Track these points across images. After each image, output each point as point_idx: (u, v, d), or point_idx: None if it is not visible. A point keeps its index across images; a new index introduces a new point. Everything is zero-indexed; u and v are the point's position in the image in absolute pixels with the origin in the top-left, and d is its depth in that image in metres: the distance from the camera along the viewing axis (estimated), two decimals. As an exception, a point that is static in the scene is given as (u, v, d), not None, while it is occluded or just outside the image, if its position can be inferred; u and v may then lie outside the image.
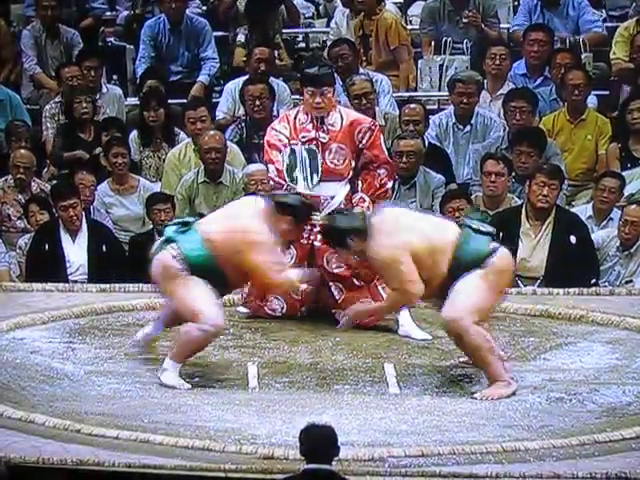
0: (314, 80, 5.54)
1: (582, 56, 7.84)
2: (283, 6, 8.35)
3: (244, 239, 5.10)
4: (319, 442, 3.88)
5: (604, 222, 6.91)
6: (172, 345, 5.15)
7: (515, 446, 4.46)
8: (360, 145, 5.56)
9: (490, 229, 5.14)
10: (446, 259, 5.04)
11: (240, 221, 5.15)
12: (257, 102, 7.47)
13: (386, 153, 5.70)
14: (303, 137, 5.54)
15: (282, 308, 5.64)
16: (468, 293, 5.03)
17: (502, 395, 5.01)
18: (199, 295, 5.09)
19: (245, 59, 8.07)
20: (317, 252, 5.55)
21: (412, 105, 7.43)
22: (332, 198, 5.54)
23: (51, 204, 7.03)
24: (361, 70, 7.76)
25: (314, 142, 5.54)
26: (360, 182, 5.60)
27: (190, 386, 5.06)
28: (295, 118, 5.57)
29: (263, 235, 5.11)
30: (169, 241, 5.14)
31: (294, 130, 5.55)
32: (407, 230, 5.05)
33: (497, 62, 7.72)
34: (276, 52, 8.00)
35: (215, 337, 5.15)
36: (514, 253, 6.41)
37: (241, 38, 8.23)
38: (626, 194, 7.10)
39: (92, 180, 7.22)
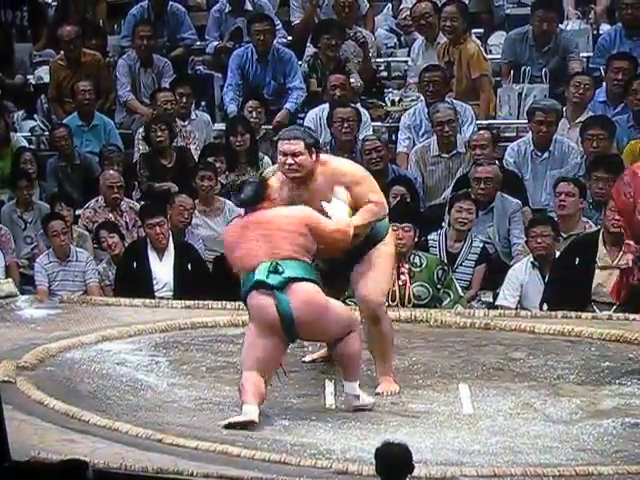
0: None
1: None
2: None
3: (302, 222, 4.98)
4: (394, 460, 3.91)
5: None
6: (344, 368, 4.98)
7: (588, 470, 4.43)
8: None
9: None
10: None
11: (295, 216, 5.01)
12: (345, 124, 7.61)
13: None
14: None
15: None
16: (384, 272, 5.08)
17: (395, 392, 5.09)
18: (337, 302, 5.04)
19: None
20: None
21: (481, 132, 7.51)
22: None
23: (119, 229, 7.26)
24: (446, 98, 7.83)
25: None
26: None
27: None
28: None
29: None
30: (280, 287, 4.93)
31: None
32: None
33: (581, 91, 7.71)
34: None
35: None
36: (590, 278, 6.48)
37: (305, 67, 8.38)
38: None
39: (191, 203, 7.35)
